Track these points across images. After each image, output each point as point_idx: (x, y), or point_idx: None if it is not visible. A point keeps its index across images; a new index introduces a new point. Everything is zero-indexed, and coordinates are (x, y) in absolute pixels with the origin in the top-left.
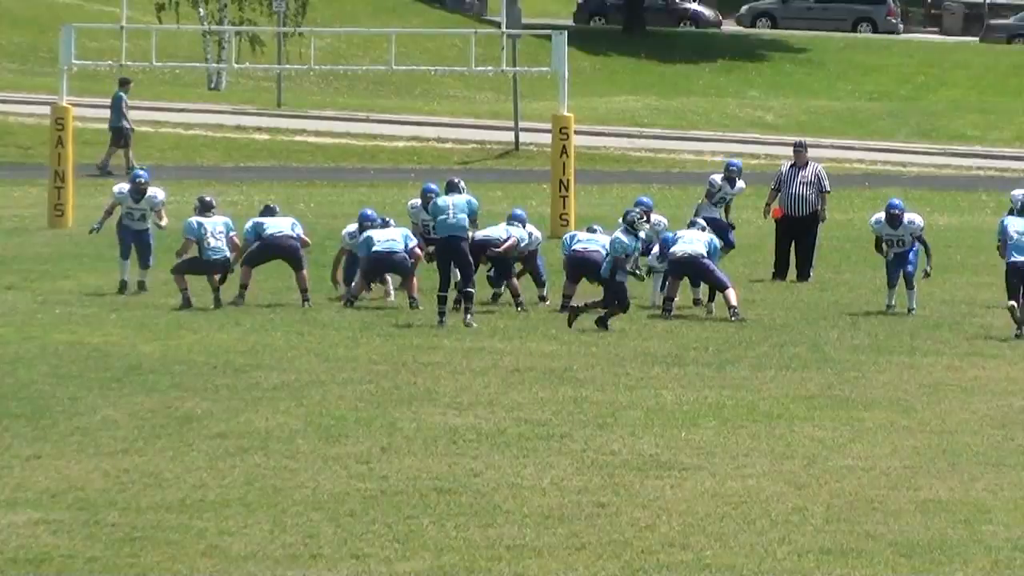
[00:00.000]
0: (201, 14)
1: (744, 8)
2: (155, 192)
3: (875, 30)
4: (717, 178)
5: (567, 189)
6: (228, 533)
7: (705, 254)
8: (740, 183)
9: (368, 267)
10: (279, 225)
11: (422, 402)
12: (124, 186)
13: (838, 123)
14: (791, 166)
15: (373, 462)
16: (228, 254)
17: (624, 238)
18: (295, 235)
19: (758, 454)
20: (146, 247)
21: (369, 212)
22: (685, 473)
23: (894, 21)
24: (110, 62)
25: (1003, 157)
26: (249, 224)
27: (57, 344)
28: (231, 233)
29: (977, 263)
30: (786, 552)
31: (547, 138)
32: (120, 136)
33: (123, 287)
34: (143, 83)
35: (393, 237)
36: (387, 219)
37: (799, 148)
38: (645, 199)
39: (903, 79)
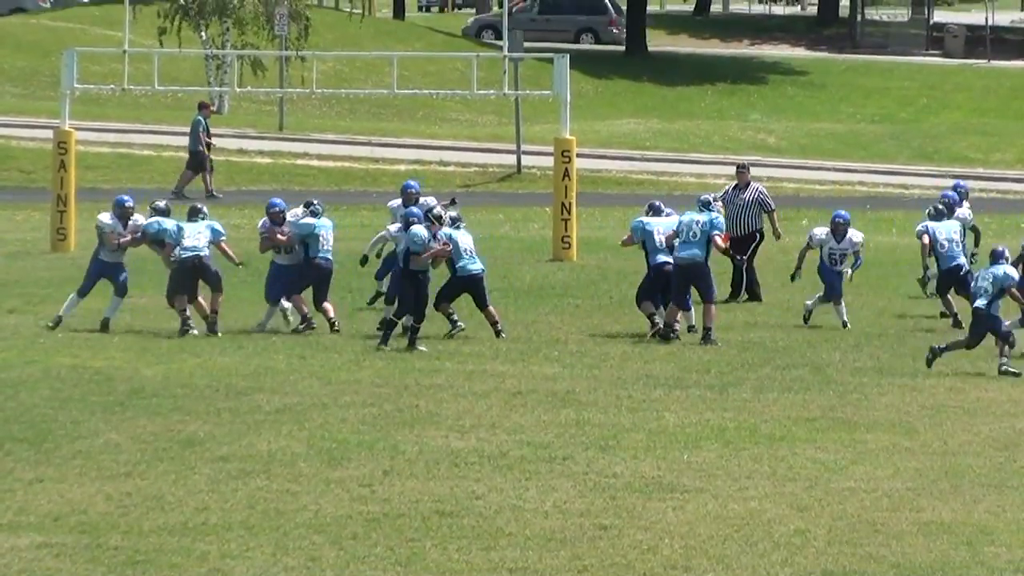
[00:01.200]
0: (203, 38)
1: (470, 20)
2: (138, 218)
3: (597, 41)
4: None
5: (569, 212)
6: (230, 556)
7: (705, 256)
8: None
9: (314, 274)
10: (195, 238)
11: (424, 425)
12: (107, 215)
13: (840, 145)
14: (734, 187)
15: (375, 485)
16: (205, 253)
17: (1002, 271)
18: (208, 253)
19: (760, 476)
20: (121, 278)
21: (277, 200)
22: (687, 495)
23: (615, 31)
24: (112, 86)
25: (1005, 179)
26: (173, 225)
27: (59, 368)
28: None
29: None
30: (788, 574)
31: (549, 161)
32: (196, 160)
33: (58, 323)
34: (145, 107)
35: (329, 240)
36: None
37: (741, 170)
38: (843, 214)
39: (905, 102)
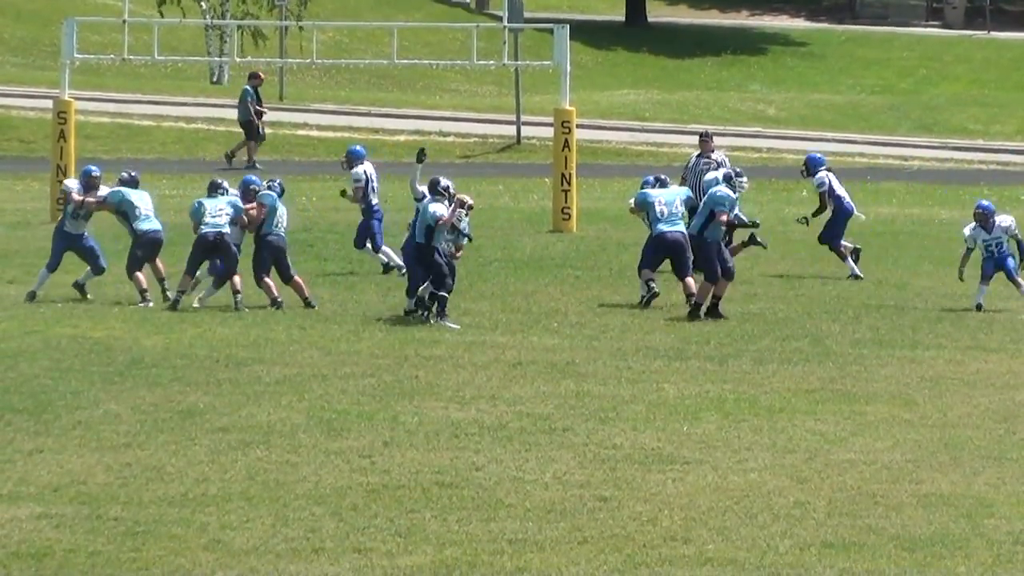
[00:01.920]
0: (203, 7)
1: None
2: (105, 189)
3: None
4: None
5: (569, 183)
6: (230, 527)
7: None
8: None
9: (269, 253)
10: (217, 214)
11: (424, 396)
12: (74, 180)
13: (840, 117)
14: (697, 156)
15: (375, 456)
16: (226, 231)
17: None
18: (228, 230)
19: (760, 448)
20: (89, 251)
21: (252, 177)
22: (687, 467)
23: None
24: (112, 56)
25: (1005, 151)
26: (195, 204)
27: (59, 338)
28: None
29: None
30: (788, 546)
31: (549, 132)
32: (249, 130)
33: (32, 297)
34: (145, 77)
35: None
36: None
37: (704, 138)
38: (985, 203)
39: (905, 73)
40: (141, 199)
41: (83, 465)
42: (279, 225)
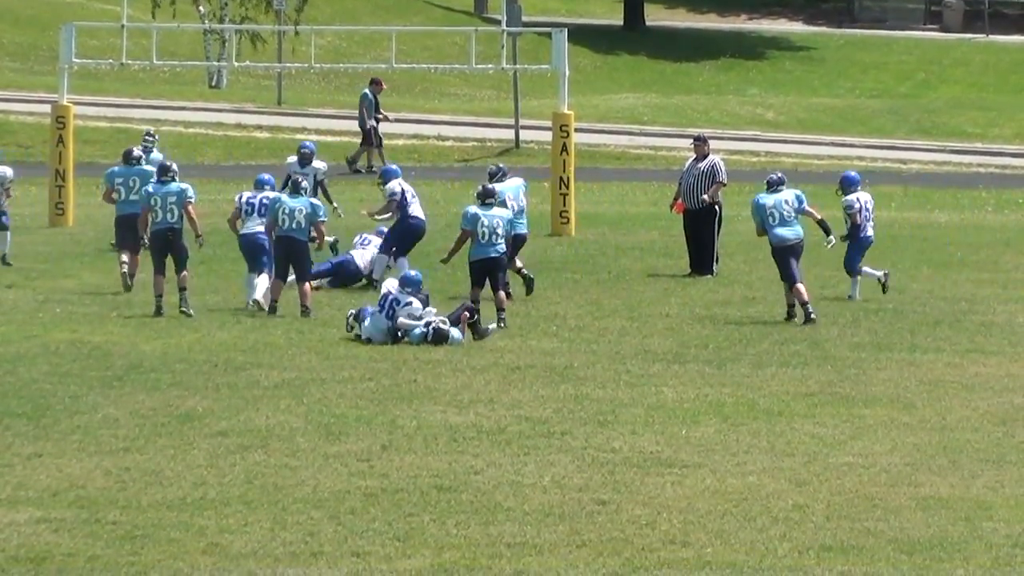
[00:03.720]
0: (201, 12)
1: None
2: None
3: None
4: None
5: (567, 187)
6: (229, 531)
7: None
8: None
9: (279, 251)
10: (167, 208)
11: (423, 400)
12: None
13: (838, 120)
14: (692, 160)
15: (374, 460)
16: (177, 225)
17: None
18: (180, 226)
19: (758, 451)
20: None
21: (267, 177)
22: (685, 470)
23: None
24: (110, 60)
25: (1003, 154)
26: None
27: (58, 343)
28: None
29: (977, 260)
30: (787, 549)
31: (547, 136)
32: (368, 135)
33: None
34: (144, 81)
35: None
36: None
37: (698, 141)
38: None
39: (903, 76)
40: (127, 181)
41: (82, 469)
42: (286, 223)
